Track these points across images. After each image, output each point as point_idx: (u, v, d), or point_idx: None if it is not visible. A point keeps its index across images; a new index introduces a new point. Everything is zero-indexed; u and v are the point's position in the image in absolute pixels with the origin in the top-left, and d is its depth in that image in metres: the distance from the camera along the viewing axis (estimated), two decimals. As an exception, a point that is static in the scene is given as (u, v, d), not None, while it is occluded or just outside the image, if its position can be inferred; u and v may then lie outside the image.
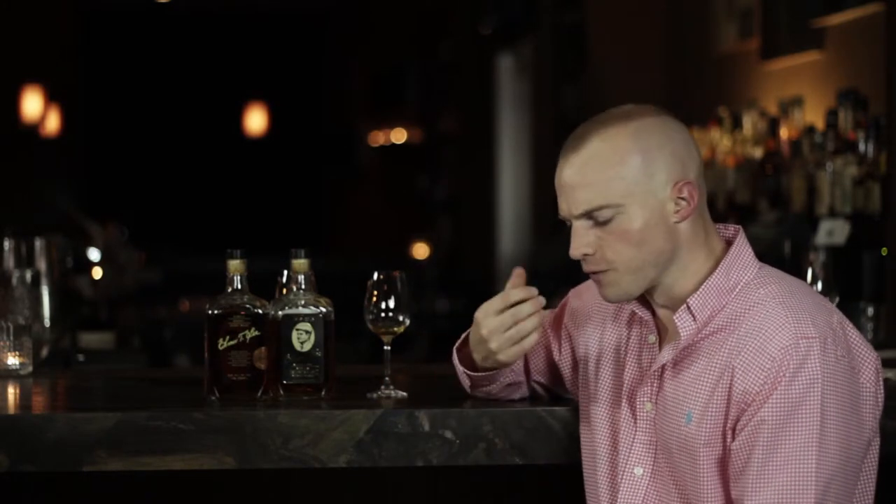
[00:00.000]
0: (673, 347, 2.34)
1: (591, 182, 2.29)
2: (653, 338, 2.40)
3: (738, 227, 2.40)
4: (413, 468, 2.56)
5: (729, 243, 2.37)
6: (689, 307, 2.32)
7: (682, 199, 2.30)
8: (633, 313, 2.44)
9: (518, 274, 2.46)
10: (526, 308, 2.43)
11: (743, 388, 2.24)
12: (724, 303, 2.31)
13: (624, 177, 2.28)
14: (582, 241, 2.32)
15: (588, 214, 2.31)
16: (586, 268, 2.35)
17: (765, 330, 2.25)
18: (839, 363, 2.23)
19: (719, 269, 2.33)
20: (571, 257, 2.35)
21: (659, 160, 2.29)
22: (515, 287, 2.45)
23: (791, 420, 2.20)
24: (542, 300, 2.44)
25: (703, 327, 2.32)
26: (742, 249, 2.35)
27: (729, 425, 2.26)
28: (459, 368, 2.61)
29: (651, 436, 2.37)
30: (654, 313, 2.41)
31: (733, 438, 2.25)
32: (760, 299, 2.29)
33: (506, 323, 2.44)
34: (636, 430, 2.39)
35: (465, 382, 2.62)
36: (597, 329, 2.51)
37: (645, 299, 2.40)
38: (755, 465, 2.21)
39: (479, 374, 2.56)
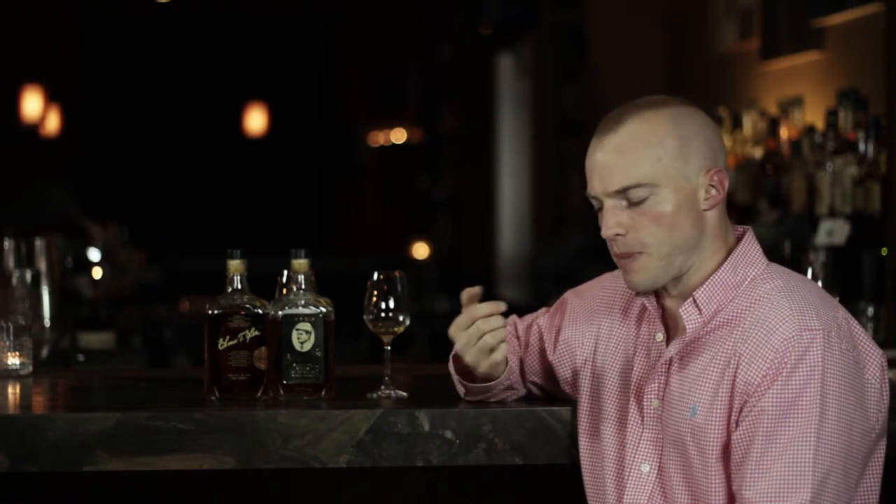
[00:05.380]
0: (679, 342, 2.35)
1: (629, 161, 2.31)
2: (660, 336, 2.41)
3: (747, 227, 2.42)
4: (413, 468, 2.56)
5: (739, 241, 2.38)
6: (694, 300, 2.33)
7: (713, 186, 2.32)
8: (644, 309, 2.45)
9: (470, 294, 2.49)
10: (492, 321, 2.47)
11: (746, 378, 2.25)
12: (730, 297, 2.33)
13: (661, 157, 2.30)
14: (613, 222, 2.33)
15: (623, 193, 2.32)
16: (617, 250, 2.36)
17: (769, 322, 2.26)
18: (843, 356, 2.24)
19: (727, 263, 2.34)
20: (603, 237, 2.35)
21: (694, 146, 2.32)
22: (472, 303, 2.49)
23: (791, 410, 2.20)
24: (502, 318, 2.48)
25: (708, 321, 2.33)
26: (750, 246, 2.37)
27: (733, 416, 2.26)
28: (455, 377, 2.61)
29: (657, 433, 2.38)
30: (663, 308, 2.41)
31: (736, 429, 2.25)
32: (766, 293, 2.30)
33: (473, 336, 2.48)
34: (643, 428, 2.39)
35: (461, 390, 2.62)
36: (603, 327, 2.52)
37: (656, 293, 2.41)
38: (754, 456, 2.21)
39: (476, 384, 2.58)
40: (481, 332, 2.47)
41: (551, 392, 2.66)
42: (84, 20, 13.27)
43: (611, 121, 2.35)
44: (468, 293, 2.50)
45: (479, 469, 2.66)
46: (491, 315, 2.47)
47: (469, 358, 2.51)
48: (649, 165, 2.30)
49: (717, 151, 2.34)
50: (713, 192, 2.32)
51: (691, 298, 2.34)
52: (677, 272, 2.35)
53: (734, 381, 2.26)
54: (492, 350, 2.49)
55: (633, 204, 2.32)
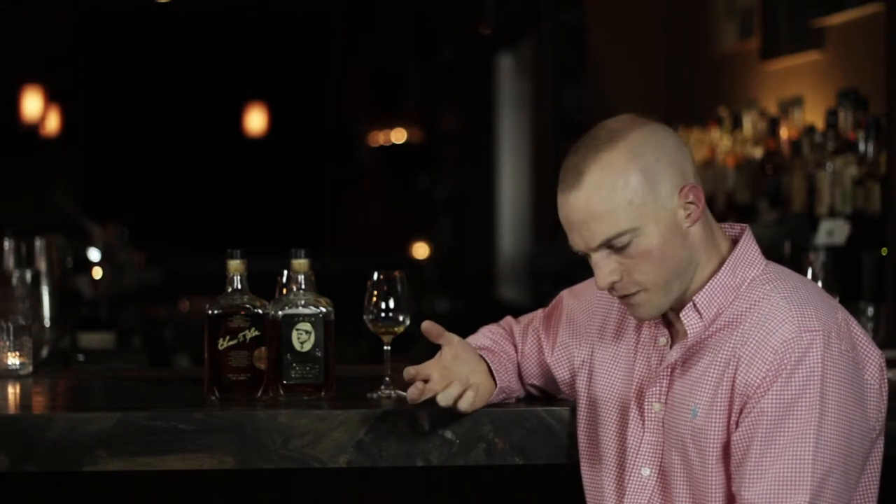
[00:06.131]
0: (681, 346, 2.35)
1: (601, 214, 2.28)
2: (664, 340, 2.40)
3: (744, 225, 2.40)
4: (413, 468, 2.56)
5: (735, 242, 2.37)
6: (695, 305, 2.33)
7: (690, 203, 2.30)
8: None
9: (427, 330, 2.52)
10: (435, 386, 2.47)
11: (745, 380, 2.24)
12: (730, 299, 2.32)
13: (631, 200, 2.27)
14: (606, 271, 2.31)
15: (606, 244, 2.30)
16: (615, 294, 2.35)
17: (769, 323, 2.25)
18: (842, 357, 2.24)
19: (725, 266, 2.33)
20: (599, 289, 2.34)
21: (659, 173, 2.28)
22: (436, 339, 2.52)
23: (790, 411, 2.20)
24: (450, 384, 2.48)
25: (709, 324, 2.32)
26: (748, 247, 2.36)
27: (733, 418, 2.26)
28: None
29: (658, 436, 2.38)
30: (665, 314, 2.41)
31: (736, 430, 2.25)
32: (765, 294, 2.29)
33: (419, 392, 2.47)
34: (644, 431, 2.39)
35: None
36: (602, 329, 2.51)
37: None
38: (753, 457, 2.21)
39: None
40: (424, 394, 2.47)
41: (550, 393, 2.65)
42: (84, 20, 13.27)
43: (571, 173, 2.31)
44: (427, 331, 2.52)
45: (479, 469, 2.65)
46: (423, 395, 2.46)
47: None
48: (623, 212, 2.27)
49: (684, 167, 2.31)
50: (691, 207, 2.30)
51: (692, 303, 2.33)
52: (679, 294, 2.34)
53: (734, 382, 2.26)
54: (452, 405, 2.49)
55: (618, 250, 2.30)
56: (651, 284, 2.31)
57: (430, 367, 2.48)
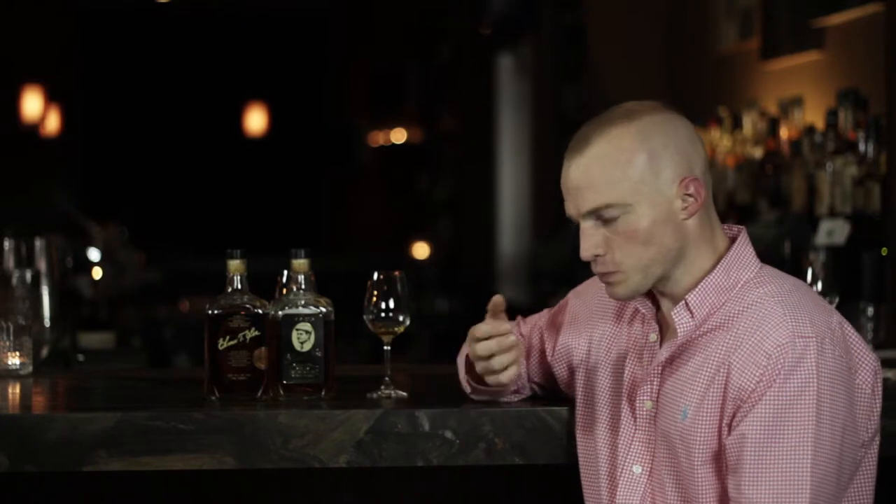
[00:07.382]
0: (671, 345, 2.35)
1: (597, 183, 2.30)
2: (654, 336, 2.41)
3: (741, 227, 2.41)
4: (413, 468, 2.56)
5: (734, 242, 2.37)
6: (686, 304, 2.33)
7: (689, 195, 2.31)
8: (636, 311, 2.45)
9: (495, 304, 2.48)
10: (507, 341, 2.47)
11: (739, 384, 2.24)
12: (722, 301, 2.32)
13: (630, 177, 2.29)
14: (591, 242, 2.33)
15: (595, 213, 2.32)
16: (596, 269, 2.36)
17: (762, 327, 2.25)
18: (836, 363, 2.24)
19: (719, 266, 2.34)
20: (582, 259, 2.35)
21: (664, 158, 2.30)
22: (495, 316, 2.48)
23: (786, 418, 2.20)
24: (518, 341, 2.50)
25: (700, 324, 2.32)
26: (743, 248, 2.36)
27: (725, 421, 2.26)
28: (463, 376, 2.62)
29: (650, 434, 2.38)
30: (658, 308, 2.41)
31: (728, 434, 2.25)
32: (759, 298, 2.29)
33: (485, 352, 2.47)
34: (635, 429, 2.40)
35: (466, 388, 2.63)
36: (598, 328, 2.52)
37: (650, 293, 2.41)
38: (749, 463, 2.21)
39: (483, 388, 2.59)
40: (491, 353, 2.47)
41: (552, 392, 2.66)
42: (84, 20, 13.26)
43: (578, 140, 2.35)
44: (494, 303, 2.49)
45: (479, 469, 2.66)
46: (509, 334, 2.46)
47: (478, 369, 2.53)
48: (619, 186, 2.29)
49: (691, 159, 2.32)
50: (690, 200, 2.31)
51: (683, 302, 2.33)
52: (656, 281, 2.35)
53: (726, 386, 2.26)
54: (502, 369, 2.49)
55: (606, 223, 2.32)
56: (629, 267, 2.32)
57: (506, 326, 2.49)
